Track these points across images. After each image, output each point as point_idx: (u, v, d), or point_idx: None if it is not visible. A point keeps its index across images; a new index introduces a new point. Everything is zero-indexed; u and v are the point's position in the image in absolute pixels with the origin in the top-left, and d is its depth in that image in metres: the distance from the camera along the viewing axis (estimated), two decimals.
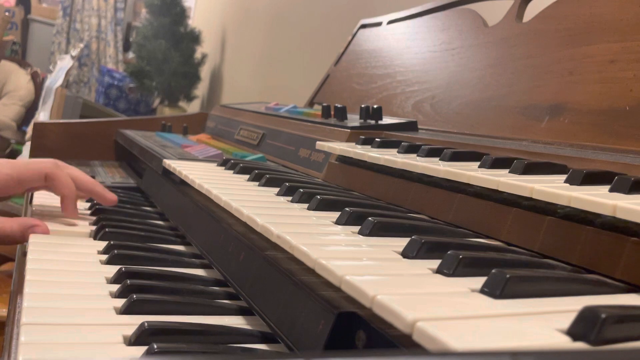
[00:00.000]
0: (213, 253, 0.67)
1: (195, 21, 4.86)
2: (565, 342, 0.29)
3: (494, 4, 1.02)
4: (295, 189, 0.66)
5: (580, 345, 0.29)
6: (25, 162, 0.83)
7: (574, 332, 0.30)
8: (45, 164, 0.83)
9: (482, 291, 0.36)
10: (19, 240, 0.76)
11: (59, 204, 0.93)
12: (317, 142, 0.85)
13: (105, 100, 4.57)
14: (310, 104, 1.46)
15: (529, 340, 0.29)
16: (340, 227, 0.53)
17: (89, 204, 0.96)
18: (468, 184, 0.56)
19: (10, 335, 0.51)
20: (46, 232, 0.77)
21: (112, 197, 0.89)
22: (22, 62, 4.26)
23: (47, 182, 0.83)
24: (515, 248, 0.51)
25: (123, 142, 1.41)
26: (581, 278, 0.41)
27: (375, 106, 0.93)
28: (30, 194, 1.01)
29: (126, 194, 1.07)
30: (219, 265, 0.64)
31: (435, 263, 0.41)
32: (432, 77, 1.03)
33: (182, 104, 4.22)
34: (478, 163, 0.60)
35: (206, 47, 4.21)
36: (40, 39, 5.79)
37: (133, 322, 0.50)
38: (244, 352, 0.49)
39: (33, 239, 0.73)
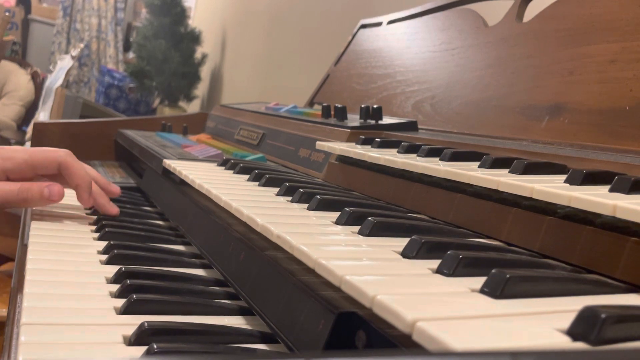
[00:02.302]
0: (213, 253, 0.67)
1: (195, 21, 4.86)
2: (565, 342, 0.29)
3: (494, 4, 1.02)
4: (295, 189, 0.66)
5: (580, 345, 0.29)
6: (41, 149, 0.85)
7: (574, 332, 0.30)
8: (60, 152, 0.84)
9: (482, 291, 0.36)
10: (15, 199, 0.78)
11: (58, 204, 0.93)
12: (317, 142, 0.85)
13: (105, 100, 4.57)
14: (310, 104, 1.46)
15: (529, 340, 0.29)
16: (340, 227, 0.53)
17: None
18: (468, 184, 0.56)
19: (10, 335, 0.51)
20: (49, 192, 0.79)
21: (116, 189, 0.92)
22: (22, 62, 4.26)
23: (61, 171, 0.84)
24: (515, 248, 0.51)
25: (123, 142, 1.41)
26: (581, 278, 0.41)
27: (375, 106, 0.93)
28: None
29: (126, 194, 1.07)
30: (219, 265, 0.64)
31: (435, 263, 0.41)
32: (432, 77, 1.03)
33: (182, 104, 4.22)
34: (478, 163, 0.60)
35: (206, 47, 4.21)
36: (40, 39, 5.79)
37: (133, 322, 0.50)
38: (244, 352, 0.49)
39: (33, 238, 0.73)
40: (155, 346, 0.45)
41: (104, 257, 0.70)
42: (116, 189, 0.93)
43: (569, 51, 0.78)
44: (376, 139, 0.79)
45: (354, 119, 0.96)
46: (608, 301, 0.38)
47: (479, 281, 0.37)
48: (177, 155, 1.01)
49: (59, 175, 0.85)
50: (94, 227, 0.84)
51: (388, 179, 0.72)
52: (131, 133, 1.39)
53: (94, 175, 0.90)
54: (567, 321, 0.30)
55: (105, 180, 0.92)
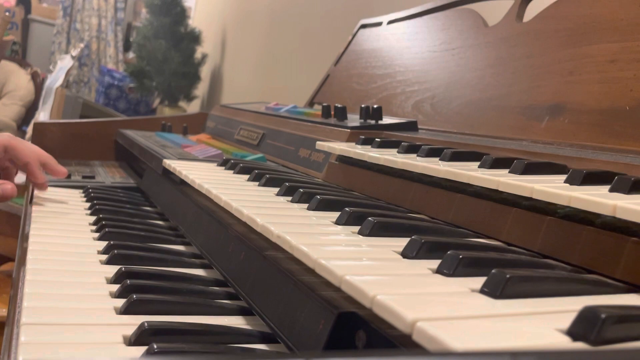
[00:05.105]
0: (213, 253, 0.67)
1: (195, 21, 4.86)
2: (565, 342, 0.29)
3: (494, 4, 1.02)
4: (295, 189, 0.66)
5: (580, 345, 0.29)
6: None
7: (574, 332, 0.30)
8: (2, 136, 0.89)
9: (482, 291, 0.36)
10: None
11: (58, 204, 0.94)
12: (317, 142, 0.85)
13: (105, 100, 4.57)
14: (310, 104, 1.46)
15: (529, 340, 0.29)
16: (340, 227, 0.53)
17: (88, 204, 0.96)
18: (468, 184, 0.56)
19: (10, 335, 0.51)
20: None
21: (63, 170, 0.96)
22: (22, 62, 4.26)
23: (8, 154, 0.89)
24: (515, 248, 0.51)
25: (123, 142, 1.41)
26: (581, 278, 0.41)
27: (375, 106, 0.93)
28: (30, 194, 1.01)
29: (126, 194, 1.07)
30: (219, 265, 0.64)
31: (435, 263, 0.41)
32: (432, 77, 1.03)
33: (182, 104, 4.22)
34: (478, 163, 0.60)
35: (206, 47, 4.21)
36: (40, 39, 5.78)
37: (133, 322, 0.50)
38: (244, 352, 0.49)
39: (33, 238, 0.73)
40: (155, 346, 0.45)
41: (104, 257, 0.70)
42: (63, 170, 0.96)
43: (569, 51, 0.78)
44: (376, 139, 0.79)
45: (354, 119, 0.96)
46: (608, 301, 0.38)
47: (479, 281, 0.37)
48: (177, 155, 1.01)
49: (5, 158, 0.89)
50: (94, 227, 0.84)
51: (388, 179, 0.72)
52: (131, 133, 1.39)
53: (41, 152, 0.93)
54: (567, 321, 0.30)
55: (53, 160, 0.95)
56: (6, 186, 0.83)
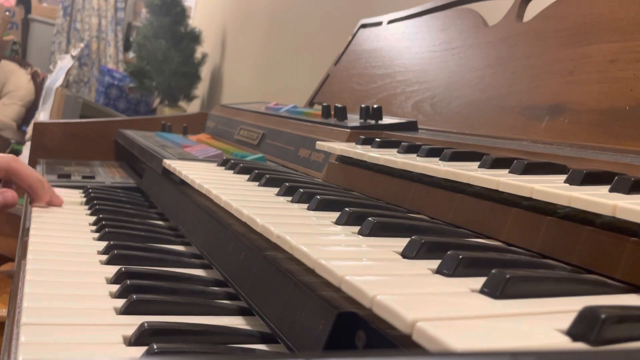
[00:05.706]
0: (213, 253, 0.67)
1: (195, 21, 4.85)
2: (565, 342, 0.29)
3: (494, 4, 1.02)
4: (295, 189, 0.66)
5: (580, 345, 0.29)
6: None
7: (574, 332, 0.30)
8: (5, 158, 0.88)
9: (482, 291, 0.36)
10: None
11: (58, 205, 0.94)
12: (317, 142, 0.85)
13: (105, 100, 4.57)
14: (310, 104, 1.46)
15: (529, 340, 0.29)
16: (340, 227, 0.53)
17: (88, 204, 0.96)
18: (468, 184, 0.56)
19: (10, 335, 0.51)
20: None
21: (60, 199, 0.94)
22: (22, 62, 4.26)
23: (11, 176, 0.87)
24: (515, 248, 0.51)
25: (123, 142, 1.41)
26: (581, 278, 0.41)
27: (375, 106, 0.93)
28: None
29: (126, 194, 1.07)
30: (219, 265, 0.64)
31: (435, 263, 0.41)
32: (432, 77, 1.03)
33: (182, 104, 4.22)
34: (478, 163, 0.60)
35: (206, 47, 4.21)
36: (40, 39, 5.78)
37: (133, 322, 0.50)
38: (243, 352, 0.49)
39: (33, 238, 0.73)
40: (155, 346, 0.45)
41: (104, 257, 0.70)
42: (60, 200, 0.94)
43: (569, 51, 0.78)
44: (376, 139, 0.79)
45: (354, 119, 0.96)
46: (608, 301, 0.38)
47: (479, 281, 0.37)
48: (177, 155, 1.01)
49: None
50: (94, 227, 0.84)
51: (388, 179, 0.72)
52: (131, 133, 1.39)
53: (39, 177, 0.92)
54: (567, 321, 0.30)
55: (48, 184, 0.94)
56: (7, 194, 0.83)
